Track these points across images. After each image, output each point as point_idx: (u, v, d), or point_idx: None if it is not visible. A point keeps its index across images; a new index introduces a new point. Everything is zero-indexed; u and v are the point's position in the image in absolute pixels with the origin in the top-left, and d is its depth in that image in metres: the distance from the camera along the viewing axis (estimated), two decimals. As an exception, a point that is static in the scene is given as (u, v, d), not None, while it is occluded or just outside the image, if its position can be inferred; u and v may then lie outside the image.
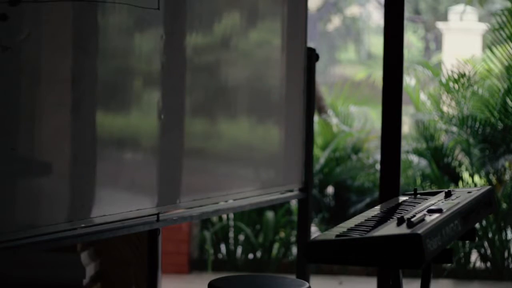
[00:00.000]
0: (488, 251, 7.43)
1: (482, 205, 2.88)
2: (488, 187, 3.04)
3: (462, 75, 7.76)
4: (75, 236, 3.24)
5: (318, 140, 8.13)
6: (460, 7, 14.98)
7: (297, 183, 4.81)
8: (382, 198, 4.32)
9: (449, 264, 6.98)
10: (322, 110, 9.04)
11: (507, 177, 7.64)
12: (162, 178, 3.69)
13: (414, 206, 2.81)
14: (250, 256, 7.55)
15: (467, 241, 7.15)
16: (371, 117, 8.96)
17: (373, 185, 7.83)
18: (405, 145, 7.93)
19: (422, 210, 2.61)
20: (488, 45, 7.99)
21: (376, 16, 20.07)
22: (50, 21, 3.05)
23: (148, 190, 3.62)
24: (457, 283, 7.28)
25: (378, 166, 7.63)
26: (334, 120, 8.47)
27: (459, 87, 7.78)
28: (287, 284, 3.13)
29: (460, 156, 7.91)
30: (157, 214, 3.69)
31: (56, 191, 3.11)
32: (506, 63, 7.64)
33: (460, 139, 7.75)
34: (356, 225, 2.53)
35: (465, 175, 7.79)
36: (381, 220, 2.57)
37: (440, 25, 15.79)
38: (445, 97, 7.98)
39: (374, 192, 7.71)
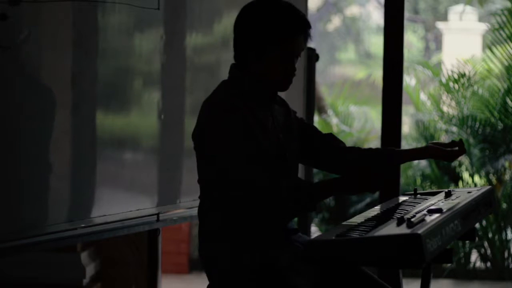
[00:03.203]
0: (488, 251, 7.44)
1: (482, 205, 2.87)
2: (488, 187, 3.04)
3: (462, 75, 7.77)
4: (75, 236, 3.24)
5: (318, 140, 8.11)
6: (460, 7, 14.98)
7: (297, 183, 4.80)
8: (382, 198, 4.32)
9: (449, 264, 6.98)
10: (322, 110, 9.04)
11: (507, 177, 7.64)
12: (162, 178, 3.69)
13: (414, 206, 2.80)
14: (250, 256, 7.54)
15: (467, 241, 7.15)
16: (371, 117, 8.96)
17: (373, 185, 7.82)
18: (405, 145, 7.93)
19: (422, 210, 2.60)
20: (488, 45, 7.99)
21: (376, 16, 20.07)
22: (50, 21, 3.05)
23: (148, 190, 3.62)
24: (457, 283, 7.28)
25: (378, 166, 7.61)
26: (334, 120, 8.48)
27: (459, 87, 7.78)
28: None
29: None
30: (157, 214, 3.69)
31: (56, 191, 3.11)
32: (506, 63, 7.65)
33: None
34: (356, 225, 2.53)
35: (465, 175, 7.79)
36: (381, 220, 2.57)
37: (440, 25, 15.79)
38: (445, 97, 7.98)
39: (374, 192, 7.71)
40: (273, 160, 2.67)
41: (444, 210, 2.56)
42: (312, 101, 4.80)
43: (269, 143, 2.67)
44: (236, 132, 2.59)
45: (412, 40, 19.03)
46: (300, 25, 2.66)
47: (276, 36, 2.64)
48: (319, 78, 8.59)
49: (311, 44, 3.72)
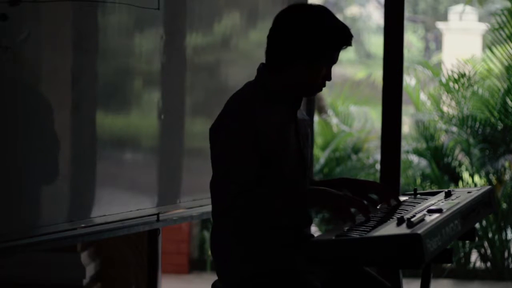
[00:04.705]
0: (488, 251, 7.44)
1: (482, 205, 2.87)
2: (488, 187, 3.03)
3: (462, 75, 7.77)
4: (75, 236, 3.24)
5: (318, 140, 8.13)
6: (460, 7, 14.98)
7: (297, 183, 4.80)
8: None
9: (449, 264, 6.99)
10: (322, 110, 9.04)
11: (507, 177, 7.64)
12: (162, 178, 3.69)
13: (414, 206, 2.80)
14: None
15: (467, 241, 7.15)
16: (371, 117, 8.97)
17: (373, 185, 7.82)
18: (405, 145, 7.93)
19: (422, 210, 2.61)
20: (488, 45, 7.99)
21: (376, 16, 20.07)
22: (50, 21, 3.05)
23: (148, 190, 3.62)
24: (457, 283, 7.28)
25: (378, 166, 7.63)
26: (334, 120, 8.48)
27: (459, 87, 7.78)
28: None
29: (460, 156, 7.92)
30: (157, 214, 3.69)
31: (56, 191, 3.11)
32: (506, 63, 7.65)
33: (460, 139, 7.76)
34: (356, 225, 2.53)
35: (465, 175, 7.80)
36: (381, 220, 2.57)
37: (440, 25, 15.80)
38: (445, 97, 7.98)
39: (374, 192, 7.70)
40: (293, 162, 2.72)
41: (444, 210, 2.56)
42: (312, 101, 4.80)
43: (288, 145, 2.70)
44: (238, 139, 2.60)
45: (412, 40, 19.03)
46: (349, 37, 2.69)
47: (328, 48, 2.67)
48: (319, 78, 8.57)
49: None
